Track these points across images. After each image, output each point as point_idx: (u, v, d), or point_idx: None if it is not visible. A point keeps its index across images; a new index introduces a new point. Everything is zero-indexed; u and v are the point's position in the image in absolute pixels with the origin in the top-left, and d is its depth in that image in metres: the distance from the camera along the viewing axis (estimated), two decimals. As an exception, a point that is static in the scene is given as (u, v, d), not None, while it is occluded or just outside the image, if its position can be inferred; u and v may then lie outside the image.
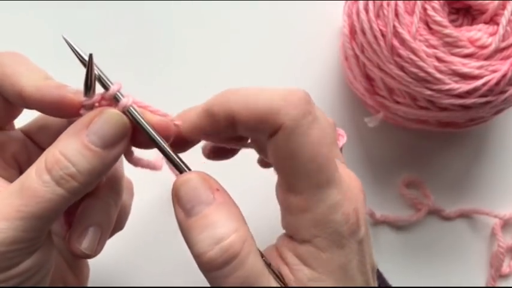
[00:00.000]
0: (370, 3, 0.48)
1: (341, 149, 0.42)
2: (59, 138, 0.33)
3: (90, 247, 0.35)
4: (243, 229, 0.32)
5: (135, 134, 0.34)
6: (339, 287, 0.32)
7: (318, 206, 0.32)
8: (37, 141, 0.39)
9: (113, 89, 0.33)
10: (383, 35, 0.47)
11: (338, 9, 0.54)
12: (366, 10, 0.48)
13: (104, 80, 0.34)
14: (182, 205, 0.32)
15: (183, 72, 0.56)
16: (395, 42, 0.46)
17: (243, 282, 0.30)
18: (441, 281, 0.56)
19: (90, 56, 0.33)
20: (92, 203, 0.36)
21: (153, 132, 0.34)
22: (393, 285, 0.51)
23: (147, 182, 0.45)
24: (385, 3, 0.47)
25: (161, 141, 0.34)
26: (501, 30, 0.46)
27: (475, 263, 0.56)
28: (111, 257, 0.52)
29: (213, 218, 0.31)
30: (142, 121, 0.34)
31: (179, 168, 0.34)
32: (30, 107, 0.34)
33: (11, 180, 0.35)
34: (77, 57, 0.34)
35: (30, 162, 0.37)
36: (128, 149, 0.36)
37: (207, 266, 0.31)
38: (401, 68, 0.47)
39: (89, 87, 0.33)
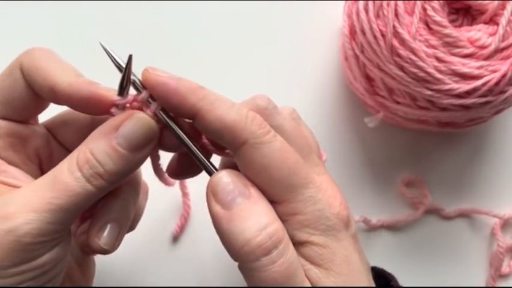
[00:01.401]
0: (370, 3, 0.48)
1: None
2: (90, 136, 0.34)
3: (108, 242, 0.36)
4: (279, 220, 0.33)
5: (162, 137, 0.35)
6: (349, 287, 0.33)
7: (303, 206, 0.33)
8: (59, 137, 0.40)
9: (146, 92, 0.34)
10: (383, 35, 0.47)
11: (338, 9, 0.54)
12: (366, 10, 0.48)
13: (137, 84, 0.35)
14: (220, 199, 0.33)
15: (183, 71, 0.55)
16: (395, 43, 0.46)
17: (288, 268, 0.31)
18: (441, 281, 0.56)
19: (130, 57, 0.34)
20: (112, 200, 0.37)
21: (182, 134, 0.34)
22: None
23: (155, 186, 0.45)
24: (385, 3, 0.47)
25: (191, 143, 0.35)
26: (501, 30, 0.46)
27: (475, 263, 0.56)
28: (116, 257, 0.53)
29: (254, 209, 0.32)
30: (172, 124, 0.34)
31: (208, 169, 0.35)
32: (60, 102, 0.35)
33: (30, 175, 0.36)
34: (113, 62, 0.35)
35: (51, 158, 0.38)
36: (155, 153, 0.37)
37: (256, 252, 0.31)
38: (401, 68, 0.47)
39: (123, 88, 0.34)
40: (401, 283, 0.47)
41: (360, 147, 0.56)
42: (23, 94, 0.36)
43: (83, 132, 0.35)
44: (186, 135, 0.35)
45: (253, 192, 0.33)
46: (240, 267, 0.33)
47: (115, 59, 0.35)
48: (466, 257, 0.56)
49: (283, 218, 0.33)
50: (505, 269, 0.56)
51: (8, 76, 0.36)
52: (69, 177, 0.32)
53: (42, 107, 0.38)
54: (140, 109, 0.35)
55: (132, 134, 0.33)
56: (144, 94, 0.34)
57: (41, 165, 0.39)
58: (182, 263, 0.54)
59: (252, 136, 0.32)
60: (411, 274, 0.55)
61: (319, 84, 0.57)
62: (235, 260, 0.32)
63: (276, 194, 0.33)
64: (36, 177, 0.36)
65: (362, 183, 0.56)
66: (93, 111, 0.35)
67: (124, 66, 0.34)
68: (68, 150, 0.39)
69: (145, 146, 0.34)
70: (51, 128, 0.40)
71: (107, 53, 0.35)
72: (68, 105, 0.35)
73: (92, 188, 0.32)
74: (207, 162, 0.35)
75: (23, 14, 0.56)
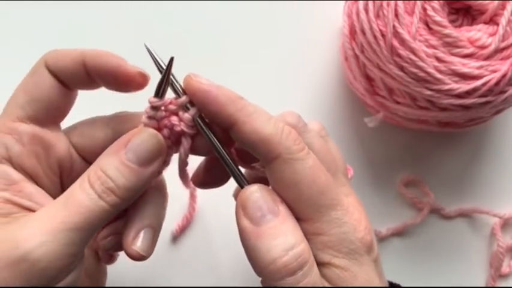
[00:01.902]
0: (370, 3, 0.48)
1: None
2: (101, 156, 0.34)
3: (145, 248, 0.36)
4: (306, 240, 0.33)
5: (195, 142, 0.36)
6: (353, 287, 0.33)
7: (328, 227, 0.33)
8: (78, 148, 0.39)
9: (186, 97, 0.35)
10: (383, 35, 0.47)
11: (338, 9, 0.54)
12: (366, 10, 0.48)
13: (177, 87, 0.35)
14: (249, 214, 0.33)
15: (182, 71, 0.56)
16: (395, 43, 0.46)
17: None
18: (441, 280, 0.56)
19: (171, 59, 0.34)
20: (144, 206, 0.37)
21: (217, 142, 0.35)
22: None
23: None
24: (385, 3, 0.47)
25: (225, 153, 0.35)
26: (501, 31, 0.46)
27: (475, 263, 0.56)
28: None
29: (282, 228, 0.33)
30: (208, 131, 0.35)
31: (239, 181, 0.35)
32: (89, 73, 0.35)
33: (51, 188, 0.36)
34: (155, 64, 0.35)
35: (72, 170, 0.38)
36: (184, 160, 0.37)
37: (281, 271, 0.31)
38: (401, 68, 0.47)
39: (161, 90, 0.35)
40: (403, 283, 0.47)
41: (360, 147, 0.56)
42: (50, 90, 0.36)
43: (104, 145, 0.35)
44: (220, 143, 0.35)
45: (282, 209, 0.33)
46: (263, 283, 0.33)
47: (157, 61, 0.35)
48: (466, 257, 0.56)
49: (307, 236, 0.33)
50: (505, 269, 0.56)
51: (32, 76, 0.36)
52: (81, 194, 0.32)
53: (68, 104, 0.38)
54: (175, 113, 0.35)
55: (140, 148, 0.34)
56: (184, 99, 0.35)
57: (61, 178, 0.38)
58: (180, 263, 0.54)
59: (285, 151, 0.33)
60: (410, 273, 0.55)
61: (319, 84, 0.57)
62: (259, 275, 0.33)
63: (303, 211, 0.33)
64: (56, 190, 0.36)
65: (362, 183, 0.56)
66: (119, 84, 0.36)
67: (164, 68, 0.34)
68: (87, 162, 0.38)
69: (154, 160, 0.34)
70: (70, 136, 0.39)
71: (150, 54, 0.35)
72: (96, 77, 0.36)
73: (104, 204, 0.32)
74: (239, 173, 0.35)
75: (50, 15, 0.56)
